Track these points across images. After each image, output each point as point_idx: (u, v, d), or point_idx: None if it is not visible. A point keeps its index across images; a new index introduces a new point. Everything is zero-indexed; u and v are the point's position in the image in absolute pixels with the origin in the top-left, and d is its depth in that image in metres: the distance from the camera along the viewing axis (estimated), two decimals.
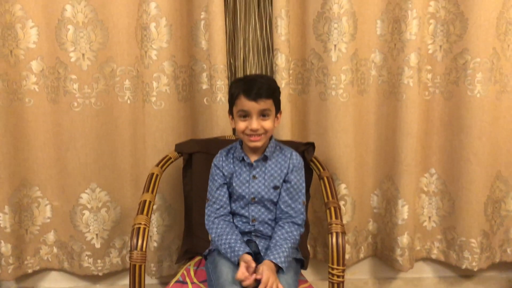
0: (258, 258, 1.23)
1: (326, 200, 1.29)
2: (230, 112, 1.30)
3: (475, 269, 1.74)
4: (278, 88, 1.32)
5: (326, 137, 1.67)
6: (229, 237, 1.23)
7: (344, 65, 1.60)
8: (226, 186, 1.33)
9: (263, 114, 1.24)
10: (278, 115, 1.32)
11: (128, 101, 1.66)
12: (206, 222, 1.31)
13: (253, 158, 1.32)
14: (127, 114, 1.66)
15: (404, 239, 1.71)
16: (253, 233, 1.31)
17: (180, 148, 1.53)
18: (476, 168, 1.66)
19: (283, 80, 1.61)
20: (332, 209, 1.22)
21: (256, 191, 1.29)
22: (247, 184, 1.30)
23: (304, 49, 1.66)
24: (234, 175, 1.32)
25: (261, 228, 1.30)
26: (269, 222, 1.30)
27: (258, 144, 1.26)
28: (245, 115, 1.24)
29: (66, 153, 1.66)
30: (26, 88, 1.64)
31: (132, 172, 1.71)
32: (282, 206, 1.29)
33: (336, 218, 1.19)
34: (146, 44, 1.59)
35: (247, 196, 1.29)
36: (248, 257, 1.17)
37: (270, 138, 1.32)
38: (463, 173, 1.68)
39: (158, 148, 1.66)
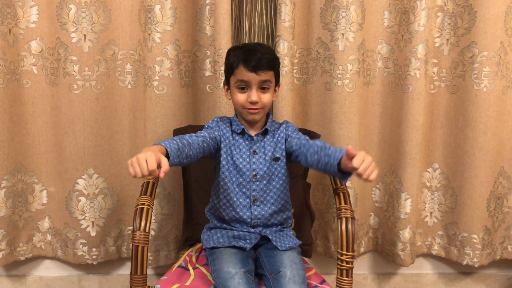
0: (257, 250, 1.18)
1: (334, 186, 1.26)
2: (226, 82, 1.25)
3: (476, 265, 1.73)
4: (279, 59, 1.29)
5: (330, 128, 1.65)
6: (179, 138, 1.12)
7: (351, 55, 1.58)
8: (208, 142, 1.21)
9: (262, 87, 1.19)
10: (277, 88, 1.27)
11: (129, 86, 1.62)
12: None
13: (252, 132, 1.27)
14: (127, 99, 1.62)
15: (406, 234, 1.69)
16: (253, 220, 1.25)
17: (178, 134, 1.50)
18: (480, 163, 1.65)
19: (284, 67, 1.58)
20: (341, 194, 1.20)
21: (258, 167, 1.24)
22: (247, 160, 1.25)
23: (311, 38, 1.63)
24: (233, 148, 1.25)
25: (263, 212, 1.25)
26: (273, 202, 1.25)
27: (257, 117, 1.22)
28: (244, 86, 1.19)
29: (63, 137, 1.62)
30: (24, 69, 1.59)
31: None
32: (302, 146, 1.20)
33: (346, 203, 1.17)
34: (150, 26, 1.56)
35: (248, 173, 1.24)
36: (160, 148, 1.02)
37: (268, 114, 1.29)
38: (467, 168, 1.67)
39: (159, 134, 1.62)
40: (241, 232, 1.26)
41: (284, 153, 1.27)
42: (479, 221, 1.69)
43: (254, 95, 1.17)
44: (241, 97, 1.20)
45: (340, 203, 1.17)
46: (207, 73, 1.63)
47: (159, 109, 1.61)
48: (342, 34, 1.57)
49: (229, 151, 1.25)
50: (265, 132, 1.27)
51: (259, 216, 1.25)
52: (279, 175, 1.27)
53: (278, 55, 1.57)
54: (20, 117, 1.61)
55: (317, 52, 1.63)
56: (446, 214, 1.76)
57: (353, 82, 1.60)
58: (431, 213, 1.78)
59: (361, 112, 1.66)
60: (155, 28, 1.55)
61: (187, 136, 1.16)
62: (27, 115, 1.62)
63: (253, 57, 1.16)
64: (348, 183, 1.68)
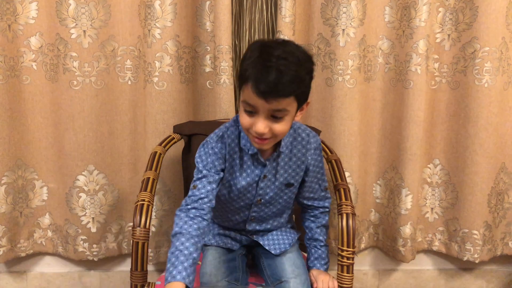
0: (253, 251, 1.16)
1: (335, 182, 1.26)
2: (239, 88, 0.98)
3: (477, 261, 1.73)
4: (309, 72, 0.94)
5: (331, 124, 1.64)
6: (186, 246, 0.93)
7: (352, 51, 1.58)
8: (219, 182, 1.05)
9: (274, 116, 0.92)
10: (304, 106, 0.98)
11: (129, 82, 1.61)
12: (178, 210, 1.02)
13: (263, 153, 1.05)
14: (127, 95, 1.62)
15: (407, 229, 1.69)
16: (246, 232, 1.17)
17: (179, 130, 1.49)
18: (481, 159, 1.64)
19: None
20: (342, 190, 1.20)
21: (265, 192, 1.07)
22: (254, 185, 1.07)
23: (311, 33, 1.63)
24: (239, 172, 1.05)
25: (257, 227, 1.16)
26: (270, 219, 1.15)
27: (264, 147, 0.99)
28: (252, 110, 0.93)
29: (63, 133, 1.61)
30: (23, 65, 1.58)
31: (131, 155, 1.66)
32: (301, 199, 1.16)
33: (346, 199, 1.16)
34: (150, 22, 1.55)
35: (251, 198, 1.08)
36: None
37: None
38: (468, 164, 1.66)
39: (159, 130, 1.62)
40: (232, 232, 1.18)
41: (300, 180, 1.10)
42: (480, 217, 1.69)
43: (260, 125, 0.91)
44: (246, 120, 0.94)
45: (340, 199, 1.17)
46: (208, 69, 1.63)
47: (159, 105, 1.60)
48: (343, 30, 1.57)
49: (233, 175, 1.06)
50: (278, 155, 1.07)
51: (254, 230, 1.17)
52: (288, 200, 1.13)
53: None
54: (20, 113, 1.61)
55: (318, 47, 1.62)
56: (447, 210, 1.76)
57: (354, 78, 1.60)
58: (432, 209, 1.78)
59: (362, 108, 1.66)
60: (155, 24, 1.55)
61: (206, 217, 0.99)
62: (27, 111, 1.61)
63: (265, 78, 0.86)
64: (349, 179, 1.67)
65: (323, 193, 1.16)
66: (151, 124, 1.62)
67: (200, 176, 1.03)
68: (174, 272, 0.89)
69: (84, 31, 1.53)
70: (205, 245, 1.16)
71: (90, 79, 1.57)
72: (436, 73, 1.67)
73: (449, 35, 1.64)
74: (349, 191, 1.21)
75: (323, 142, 1.45)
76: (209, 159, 1.04)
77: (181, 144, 1.52)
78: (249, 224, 1.15)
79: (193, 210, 0.99)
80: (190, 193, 1.03)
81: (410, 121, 1.61)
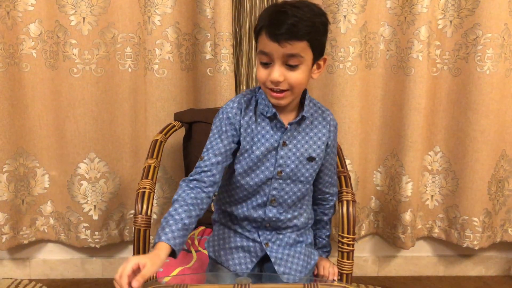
0: (263, 265, 1.06)
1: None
2: (256, 43, 0.98)
3: (476, 248, 1.74)
4: (323, 23, 0.94)
5: (332, 111, 1.56)
6: (178, 211, 0.92)
7: (353, 37, 1.57)
8: (230, 156, 1.00)
9: (289, 64, 0.91)
10: (321, 62, 0.97)
11: (129, 69, 1.60)
12: (182, 180, 1.00)
13: (284, 118, 1.00)
14: (127, 82, 1.61)
15: (407, 216, 1.70)
16: (265, 221, 1.05)
17: (179, 117, 1.49)
18: (482, 146, 1.64)
19: None
20: (342, 177, 1.20)
21: (285, 162, 1.00)
22: (273, 152, 1.00)
23: None
24: (256, 138, 0.99)
25: (278, 215, 1.04)
26: (291, 205, 1.05)
27: (282, 102, 0.96)
28: (267, 61, 0.92)
29: (64, 121, 1.61)
30: (23, 53, 1.58)
31: (132, 143, 1.67)
32: (321, 187, 1.10)
33: (347, 186, 1.16)
34: (149, 9, 1.54)
35: (271, 168, 1.00)
36: (162, 254, 0.85)
37: (304, 92, 1.02)
38: (469, 151, 1.66)
39: (160, 118, 1.62)
40: (244, 243, 1.07)
41: (321, 155, 1.03)
42: (480, 204, 1.70)
43: (275, 72, 0.91)
44: (262, 73, 0.93)
45: (341, 186, 1.17)
46: (208, 56, 1.62)
47: (160, 93, 1.60)
48: (344, 16, 1.55)
49: (251, 143, 1.00)
50: (301, 120, 1.01)
51: (274, 218, 1.05)
52: (309, 178, 1.04)
53: None
54: (20, 101, 1.60)
55: None
56: (447, 197, 1.76)
57: (355, 65, 1.59)
58: (432, 196, 1.79)
59: (363, 95, 1.65)
60: (154, 11, 1.54)
61: (206, 189, 0.97)
62: (27, 99, 1.61)
63: (279, 21, 0.88)
64: (349, 167, 1.68)
65: (335, 177, 1.14)
66: (151, 111, 1.62)
67: (208, 146, 1.01)
68: (161, 234, 0.88)
69: (84, 18, 1.52)
70: (215, 262, 1.08)
71: (90, 67, 1.56)
72: (438, 60, 1.66)
73: (451, 21, 1.62)
74: (349, 178, 1.22)
75: None
76: (222, 127, 1.01)
77: (182, 132, 1.52)
78: (269, 210, 1.04)
79: (194, 182, 0.99)
80: (197, 164, 1.02)
81: (411, 108, 1.61)
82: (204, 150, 1.02)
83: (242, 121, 1.00)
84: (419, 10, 1.54)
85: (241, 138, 1.00)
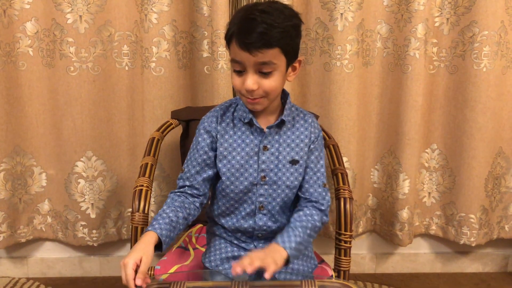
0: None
1: (333, 167, 1.26)
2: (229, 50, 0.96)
3: (473, 245, 1.74)
4: (295, 26, 0.92)
5: (329, 109, 1.64)
6: (165, 211, 0.95)
7: (350, 35, 1.57)
8: (210, 165, 1.01)
9: (261, 71, 0.90)
10: (296, 64, 0.96)
11: (126, 68, 1.60)
12: (170, 192, 1.05)
13: (263, 122, 1.00)
14: (124, 80, 1.61)
15: (404, 214, 1.70)
16: (256, 231, 1.04)
17: (176, 115, 1.49)
18: (479, 143, 1.65)
19: None
20: (339, 175, 1.20)
21: (268, 167, 0.99)
22: (255, 158, 0.99)
23: (309, 18, 1.61)
24: (235, 143, 0.99)
25: (269, 223, 1.03)
26: (281, 213, 1.02)
27: (258, 107, 0.95)
28: (240, 69, 0.91)
29: (61, 120, 1.61)
30: (20, 51, 1.57)
31: (129, 141, 1.67)
32: (298, 191, 1.03)
33: (344, 183, 1.17)
34: (146, 7, 1.54)
35: (255, 174, 0.99)
36: (150, 240, 0.88)
37: (286, 95, 1.01)
38: (466, 148, 1.67)
39: (157, 116, 1.62)
40: (242, 253, 1.05)
41: (305, 158, 1.01)
42: (476, 201, 1.70)
43: (249, 81, 0.90)
44: (237, 81, 0.93)
45: (338, 184, 1.18)
46: (205, 54, 1.62)
47: (157, 91, 1.60)
48: (341, 14, 1.55)
49: (229, 149, 0.99)
50: (281, 124, 1.00)
51: (264, 227, 1.03)
52: (295, 182, 1.01)
53: None
54: (17, 99, 1.60)
55: (316, 32, 1.61)
56: (444, 195, 1.77)
57: (352, 62, 1.59)
58: (429, 193, 1.79)
59: (360, 93, 1.65)
60: (151, 9, 1.53)
61: (189, 195, 1.01)
62: (24, 97, 1.61)
63: (248, 29, 0.85)
64: (346, 164, 1.68)
65: (320, 189, 1.02)
66: (148, 110, 1.62)
67: (188, 158, 1.04)
68: (148, 227, 0.91)
69: (80, 16, 1.52)
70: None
71: (87, 65, 1.56)
72: (435, 58, 1.67)
73: (448, 19, 1.63)
74: (346, 175, 1.22)
75: (320, 127, 1.45)
76: (198, 137, 1.02)
77: (179, 130, 1.52)
78: (259, 219, 1.03)
79: (179, 193, 1.03)
80: (179, 175, 1.05)
81: (408, 106, 1.61)
82: (184, 161, 1.05)
83: (218, 127, 1.00)
84: (415, 7, 1.55)
85: (218, 144, 1.01)
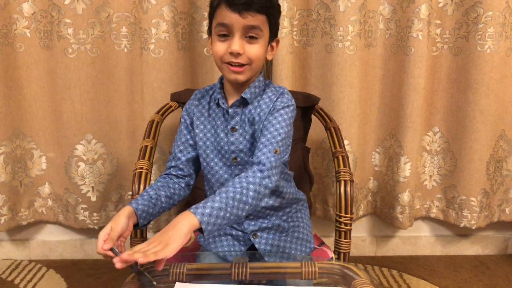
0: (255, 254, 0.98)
1: (333, 150, 1.25)
2: (209, 31, 0.96)
3: (474, 228, 1.75)
4: (278, 4, 0.96)
5: (330, 92, 1.62)
6: (147, 190, 0.97)
7: (352, 16, 1.54)
8: (193, 146, 1.02)
9: (249, 35, 0.89)
10: (274, 43, 0.97)
11: (125, 50, 1.58)
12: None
13: (231, 101, 0.98)
14: (123, 62, 1.59)
15: (405, 197, 1.70)
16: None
17: (176, 98, 1.48)
18: (481, 126, 1.63)
19: (284, 29, 1.54)
20: (340, 157, 1.19)
21: (237, 148, 0.97)
22: (225, 139, 0.98)
23: None
24: (210, 125, 0.99)
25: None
26: None
27: (240, 77, 0.91)
28: (225, 33, 0.89)
29: (60, 102, 1.60)
30: (17, 33, 1.55)
31: (129, 124, 1.66)
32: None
33: (345, 166, 1.16)
34: None
35: (227, 155, 0.99)
36: (125, 214, 0.87)
37: (259, 73, 0.98)
38: (468, 131, 1.66)
39: (156, 99, 1.60)
40: (234, 232, 1.04)
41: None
42: (478, 184, 1.70)
43: (235, 43, 0.88)
44: (220, 47, 0.90)
45: (339, 166, 1.17)
46: (205, 36, 1.59)
47: (156, 73, 1.58)
48: None
49: (204, 130, 1.00)
50: (244, 102, 0.97)
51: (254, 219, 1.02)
52: None
53: None
54: (15, 82, 1.59)
55: (318, 13, 1.58)
56: (445, 178, 1.76)
57: (354, 44, 1.57)
58: (430, 176, 1.79)
59: (362, 75, 1.63)
60: None
61: (173, 176, 1.03)
62: (22, 80, 1.59)
63: None
64: (347, 147, 1.67)
65: (269, 154, 0.90)
66: (148, 92, 1.60)
67: (174, 139, 1.06)
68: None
69: None
70: (205, 249, 1.06)
71: (85, 47, 1.54)
72: (438, 39, 1.64)
73: None
74: (347, 158, 1.21)
75: (321, 109, 1.44)
76: (181, 118, 1.05)
77: (178, 112, 1.50)
78: None
79: (163, 175, 1.05)
80: (168, 158, 1.07)
81: (410, 88, 1.60)
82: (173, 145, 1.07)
83: (195, 110, 1.02)
84: None
85: (194, 126, 1.02)
